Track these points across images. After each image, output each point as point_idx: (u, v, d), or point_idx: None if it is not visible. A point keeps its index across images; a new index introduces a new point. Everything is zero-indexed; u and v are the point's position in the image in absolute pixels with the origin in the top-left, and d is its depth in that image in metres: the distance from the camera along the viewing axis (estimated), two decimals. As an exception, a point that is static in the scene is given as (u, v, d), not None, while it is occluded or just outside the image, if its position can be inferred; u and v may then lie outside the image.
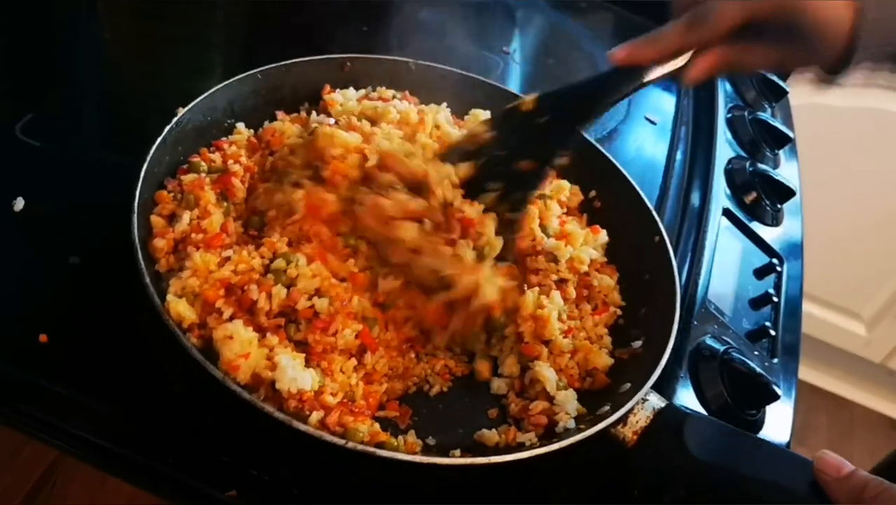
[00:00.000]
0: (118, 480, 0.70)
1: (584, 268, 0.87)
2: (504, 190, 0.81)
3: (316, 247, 0.78)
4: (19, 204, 0.83)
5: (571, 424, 0.74)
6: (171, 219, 0.80)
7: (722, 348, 0.88)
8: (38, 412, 0.68)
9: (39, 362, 0.71)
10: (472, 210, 0.80)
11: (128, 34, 1.17)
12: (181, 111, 0.83)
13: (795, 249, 1.13)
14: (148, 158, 0.78)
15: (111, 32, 1.18)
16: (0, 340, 0.72)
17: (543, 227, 0.89)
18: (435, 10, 1.17)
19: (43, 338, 0.72)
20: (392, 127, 0.87)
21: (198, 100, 0.86)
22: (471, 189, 0.82)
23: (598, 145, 0.99)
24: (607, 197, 0.97)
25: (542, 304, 0.81)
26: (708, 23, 0.72)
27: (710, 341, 0.89)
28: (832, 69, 0.75)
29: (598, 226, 0.93)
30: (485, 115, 0.97)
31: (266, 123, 0.92)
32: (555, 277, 0.86)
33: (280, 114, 0.94)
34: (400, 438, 0.72)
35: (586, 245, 0.89)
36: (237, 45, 1.22)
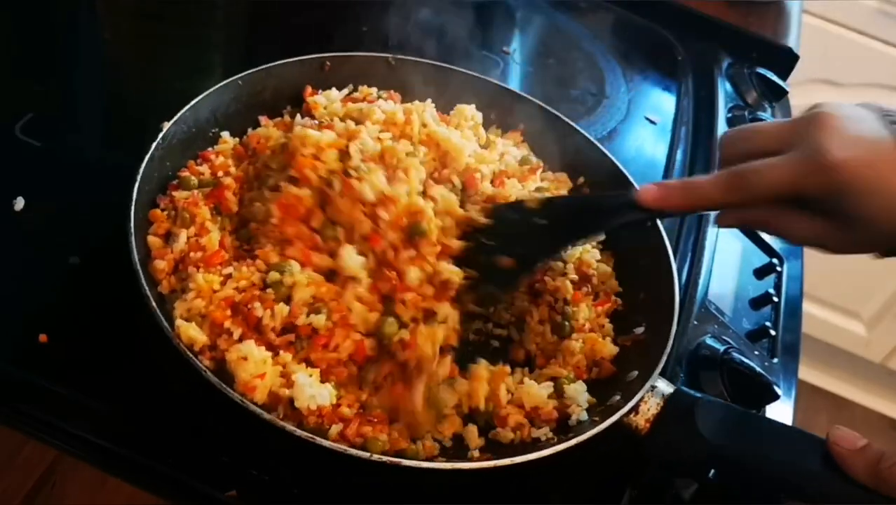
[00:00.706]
0: (118, 480, 0.69)
1: (592, 270, 0.87)
2: (476, 280, 0.77)
3: (299, 248, 0.77)
4: (19, 204, 0.83)
5: (584, 415, 0.74)
6: (167, 237, 0.78)
7: (722, 348, 0.88)
8: (38, 412, 0.68)
9: (39, 362, 0.71)
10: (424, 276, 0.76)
11: (128, 34, 1.17)
12: (166, 125, 0.82)
13: (795, 249, 1.12)
14: (138, 178, 0.76)
15: (111, 32, 1.17)
16: (0, 340, 0.72)
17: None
18: (435, 10, 1.17)
19: (43, 338, 0.72)
20: (378, 127, 0.86)
21: (181, 112, 0.84)
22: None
23: (575, 125, 0.99)
24: (595, 186, 0.97)
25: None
26: (750, 187, 0.66)
27: (710, 341, 0.88)
28: (890, 252, 0.69)
29: None
30: (470, 109, 0.96)
31: (250, 130, 0.91)
32: (560, 276, 0.86)
33: (263, 119, 0.92)
34: (418, 442, 0.72)
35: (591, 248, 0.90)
36: (237, 45, 1.22)
